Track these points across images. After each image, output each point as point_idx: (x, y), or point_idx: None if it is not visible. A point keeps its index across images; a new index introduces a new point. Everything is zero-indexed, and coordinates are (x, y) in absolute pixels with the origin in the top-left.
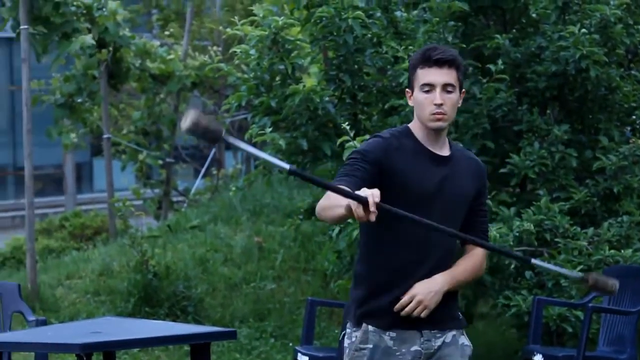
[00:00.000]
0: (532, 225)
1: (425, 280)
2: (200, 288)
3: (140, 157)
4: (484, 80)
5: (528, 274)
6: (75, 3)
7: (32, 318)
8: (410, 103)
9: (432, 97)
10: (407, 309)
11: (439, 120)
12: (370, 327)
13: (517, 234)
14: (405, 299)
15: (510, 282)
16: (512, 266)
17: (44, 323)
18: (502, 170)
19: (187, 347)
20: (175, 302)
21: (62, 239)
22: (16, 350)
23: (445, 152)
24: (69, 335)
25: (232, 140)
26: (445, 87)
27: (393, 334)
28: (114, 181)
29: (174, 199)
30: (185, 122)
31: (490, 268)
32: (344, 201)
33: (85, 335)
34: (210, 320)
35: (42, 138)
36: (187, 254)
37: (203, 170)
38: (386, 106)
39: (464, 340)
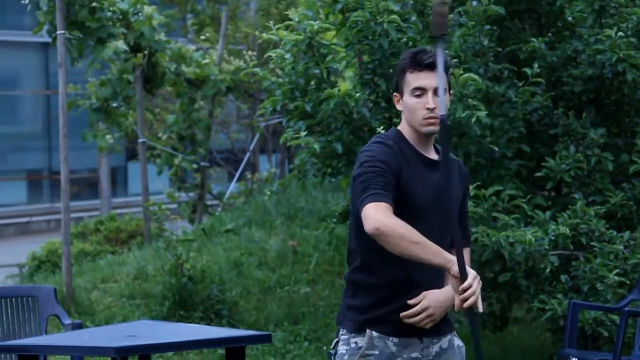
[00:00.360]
0: (567, 228)
1: (438, 292)
2: (235, 292)
3: (176, 161)
4: (520, 84)
5: (564, 277)
6: (111, 8)
7: (67, 321)
8: (398, 107)
9: (424, 101)
10: (415, 319)
11: (431, 125)
12: (375, 333)
13: (553, 238)
14: (416, 309)
15: (546, 286)
16: (548, 270)
17: (79, 326)
18: (537, 174)
19: (221, 351)
20: (210, 306)
21: (97, 242)
22: (52, 353)
23: (434, 155)
24: (104, 339)
25: None
26: (437, 91)
27: (396, 340)
28: (150, 185)
29: (209, 202)
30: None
31: (525, 272)
32: (440, 254)
33: (120, 339)
34: (244, 324)
35: (77, 142)
36: (221, 257)
37: (237, 174)
38: None
39: (458, 341)
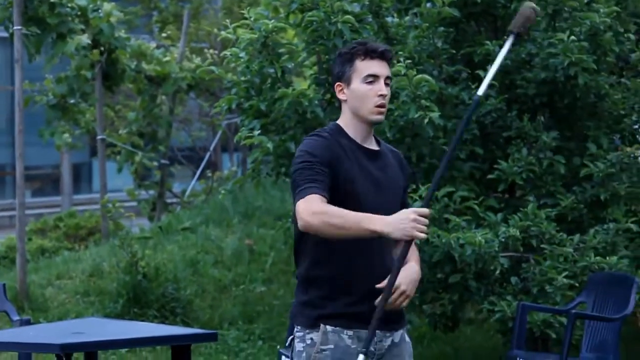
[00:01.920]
0: (517, 231)
1: (404, 269)
2: (190, 290)
3: (137, 158)
4: (474, 86)
5: (513, 279)
6: (69, 5)
7: (16, 318)
8: (341, 97)
9: (377, 88)
10: (391, 299)
11: (380, 113)
12: (329, 328)
13: (503, 240)
14: (392, 294)
15: (496, 288)
16: (498, 271)
17: (28, 323)
18: (490, 176)
19: None
20: (165, 304)
21: (56, 239)
22: None
23: (375, 146)
24: (50, 336)
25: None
26: (386, 80)
27: (350, 332)
28: (111, 182)
29: (169, 200)
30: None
31: (475, 273)
32: (367, 219)
33: (66, 336)
34: (199, 322)
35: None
36: (177, 255)
37: (198, 172)
38: None
39: (407, 338)
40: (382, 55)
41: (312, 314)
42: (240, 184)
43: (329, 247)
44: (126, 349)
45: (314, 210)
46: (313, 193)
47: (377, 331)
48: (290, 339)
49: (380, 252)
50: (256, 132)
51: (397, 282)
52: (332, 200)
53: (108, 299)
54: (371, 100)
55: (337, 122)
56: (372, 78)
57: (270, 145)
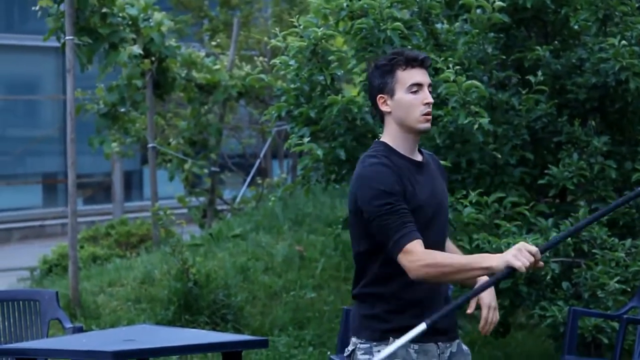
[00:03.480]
0: None
1: (487, 292)
2: (241, 296)
3: (186, 166)
4: (524, 92)
5: (565, 284)
6: (121, 14)
7: (69, 325)
8: (385, 109)
9: (423, 97)
10: (490, 320)
11: (427, 121)
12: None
13: None
14: (485, 312)
15: (547, 293)
16: (549, 277)
17: (80, 330)
18: (541, 182)
19: None
20: (215, 310)
21: (108, 246)
22: (50, 356)
23: (419, 157)
24: (102, 343)
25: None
26: (428, 87)
27: (416, 347)
28: (163, 190)
29: (219, 207)
30: None
31: (526, 278)
32: (476, 266)
33: (118, 343)
34: (249, 329)
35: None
36: (228, 262)
37: (248, 179)
38: None
39: (464, 346)
40: (422, 63)
41: (380, 327)
42: (290, 190)
43: (394, 265)
44: (177, 356)
45: (426, 263)
46: (411, 240)
47: (439, 342)
48: (350, 350)
49: None
50: (306, 139)
51: (489, 303)
52: None
53: (159, 306)
54: (417, 109)
55: (382, 139)
56: (417, 87)
57: (320, 152)
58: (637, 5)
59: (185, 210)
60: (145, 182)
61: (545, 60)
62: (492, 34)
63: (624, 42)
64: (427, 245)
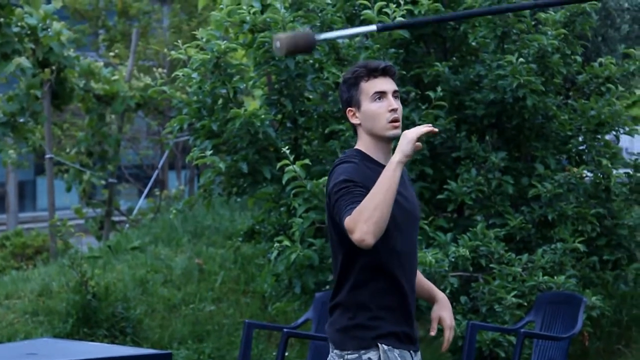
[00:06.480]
0: (467, 251)
1: (444, 305)
2: (140, 309)
3: (84, 177)
4: (424, 107)
5: (463, 299)
6: (20, 23)
7: None
8: (355, 121)
9: (387, 104)
10: (450, 339)
11: (396, 127)
12: (385, 347)
13: (453, 260)
14: (447, 333)
15: None
16: (448, 291)
17: None
18: (439, 196)
19: None
20: (114, 323)
21: (3, 258)
22: None
23: None
24: (3, 357)
25: (325, 35)
26: (394, 94)
27: (397, 352)
28: (58, 200)
29: (116, 219)
30: (280, 50)
31: None
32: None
33: (20, 357)
34: (148, 342)
35: None
36: (127, 274)
37: (146, 190)
38: (326, 131)
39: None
40: (384, 72)
41: (368, 335)
42: (191, 204)
43: (372, 269)
44: None
45: (361, 217)
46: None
47: (412, 350)
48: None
49: (412, 270)
50: (208, 152)
51: (449, 322)
52: None
53: (57, 318)
54: (384, 117)
55: (357, 147)
56: (380, 95)
57: (222, 165)
58: (533, 23)
59: (81, 222)
60: (38, 192)
61: (444, 76)
62: (392, 50)
63: (521, 59)
64: (395, 254)
